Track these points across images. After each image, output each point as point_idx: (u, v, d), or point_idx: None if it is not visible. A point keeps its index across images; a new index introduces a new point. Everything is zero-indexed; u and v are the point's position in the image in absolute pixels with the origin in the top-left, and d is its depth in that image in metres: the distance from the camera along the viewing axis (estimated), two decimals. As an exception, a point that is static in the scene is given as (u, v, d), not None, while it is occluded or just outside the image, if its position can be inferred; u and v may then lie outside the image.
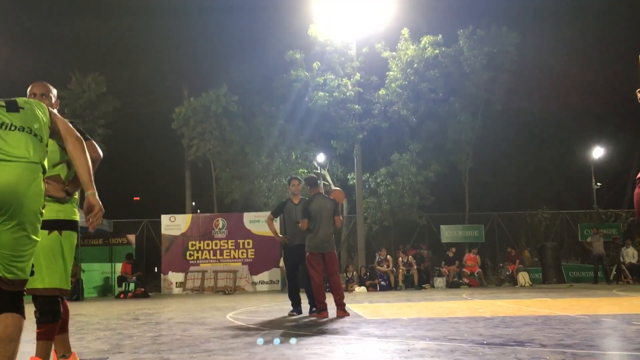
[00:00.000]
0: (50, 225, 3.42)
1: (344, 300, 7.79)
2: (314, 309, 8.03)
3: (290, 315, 8.03)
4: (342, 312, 7.55)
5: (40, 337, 3.38)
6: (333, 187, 8.58)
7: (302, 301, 8.36)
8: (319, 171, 23.57)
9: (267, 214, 17.41)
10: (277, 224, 16.28)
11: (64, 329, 3.77)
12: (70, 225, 3.58)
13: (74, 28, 26.62)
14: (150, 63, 25.75)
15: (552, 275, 18.94)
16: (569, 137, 29.43)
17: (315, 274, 7.80)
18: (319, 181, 8.37)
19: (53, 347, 3.67)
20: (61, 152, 3.59)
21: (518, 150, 27.89)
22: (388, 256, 17.98)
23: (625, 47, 24.11)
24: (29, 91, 3.71)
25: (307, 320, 7.37)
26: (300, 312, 8.19)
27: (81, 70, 25.45)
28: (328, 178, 23.50)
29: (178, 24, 26.27)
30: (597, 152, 27.31)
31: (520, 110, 25.57)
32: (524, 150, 28.30)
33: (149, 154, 29.32)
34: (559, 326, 5.75)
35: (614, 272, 18.25)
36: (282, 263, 18.21)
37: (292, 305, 8.29)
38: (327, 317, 7.53)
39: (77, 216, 3.70)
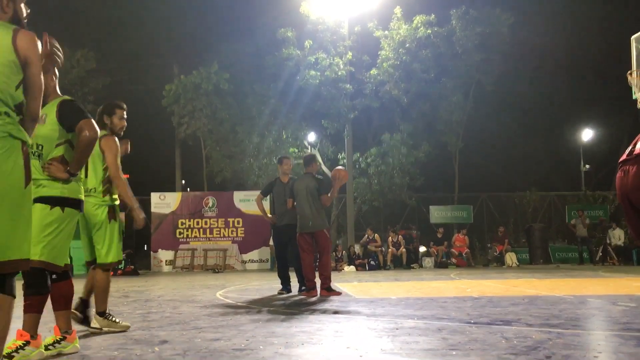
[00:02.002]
0: (53, 201, 3.47)
1: (331, 282, 7.81)
2: (303, 287, 8.10)
3: (279, 293, 8.08)
4: (324, 291, 7.58)
5: (26, 309, 3.40)
6: (337, 167, 8.46)
7: (291, 280, 8.40)
8: (309, 150, 23.54)
9: (257, 192, 17.41)
10: (266, 203, 16.26)
11: (67, 305, 3.78)
12: (74, 203, 3.59)
13: (63, 3, 26.19)
14: (140, 39, 25.43)
15: (539, 256, 19.15)
16: (559, 119, 29.56)
17: (303, 254, 7.82)
18: (314, 161, 8.26)
19: (56, 323, 3.69)
20: (62, 131, 3.57)
21: (508, 131, 27.98)
22: (376, 235, 18.08)
23: (617, 29, 24.12)
24: None
25: (296, 299, 7.41)
26: (289, 290, 8.22)
27: (70, 46, 25.09)
28: (318, 157, 23.46)
29: (169, 0, 25.91)
30: (587, 135, 27.47)
31: (511, 92, 25.59)
32: (514, 131, 28.39)
33: (138, 131, 29.11)
34: (545, 306, 5.83)
35: (600, 254, 18.48)
36: (271, 242, 18.28)
37: (281, 283, 8.32)
38: (316, 295, 7.59)
39: (82, 195, 3.68)
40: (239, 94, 23.29)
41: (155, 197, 18.94)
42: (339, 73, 20.65)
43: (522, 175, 28.14)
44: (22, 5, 2.95)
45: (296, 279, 8.37)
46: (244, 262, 18.42)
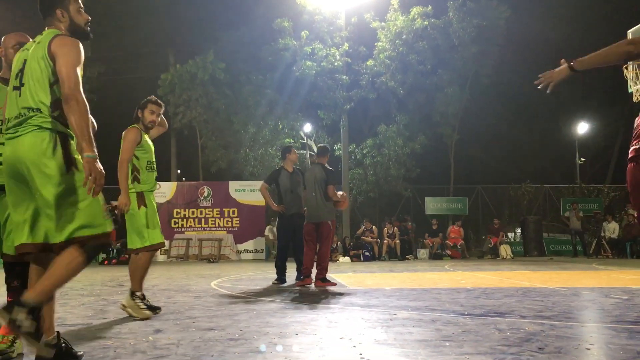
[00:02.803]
0: None
1: (327, 274, 7.81)
2: (301, 277, 8.10)
3: (274, 284, 8.09)
4: (319, 282, 7.58)
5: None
6: (341, 193, 8.45)
7: (287, 271, 8.40)
8: (305, 141, 23.52)
9: (253, 182, 17.38)
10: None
11: None
12: None
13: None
14: (136, 28, 25.28)
15: (533, 248, 19.23)
16: (555, 113, 29.60)
17: (305, 244, 7.86)
18: (327, 152, 8.27)
19: None
20: None
21: (504, 124, 28.02)
22: (373, 227, 18.12)
23: (613, 23, 24.12)
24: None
25: (290, 289, 7.43)
26: (283, 281, 8.22)
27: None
28: (314, 148, 23.46)
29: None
30: (582, 128, 27.53)
31: (507, 85, 25.58)
32: (509, 124, 28.43)
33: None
34: (538, 298, 5.86)
35: (594, 246, 18.56)
36: (267, 232, 18.28)
37: (277, 273, 8.32)
38: (310, 284, 7.62)
39: None
40: (235, 83, 23.21)
41: (149, 186, 18.86)
42: (336, 64, 20.61)
43: (517, 168, 28.22)
44: (79, 12, 3.12)
45: (294, 270, 8.41)
46: (239, 252, 18.43)
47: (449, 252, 18.19)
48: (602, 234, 18.47)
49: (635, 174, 2.89)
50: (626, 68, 4.50)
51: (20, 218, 2.86)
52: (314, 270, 7.79)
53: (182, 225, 18.61)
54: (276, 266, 8.38)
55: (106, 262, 16.53)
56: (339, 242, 18.38)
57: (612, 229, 18.54)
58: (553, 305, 5.22)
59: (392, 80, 21.16)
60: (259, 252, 18.50)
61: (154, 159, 5.13)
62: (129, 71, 26.47)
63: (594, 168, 30.88)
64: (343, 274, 10.59)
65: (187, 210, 18.70)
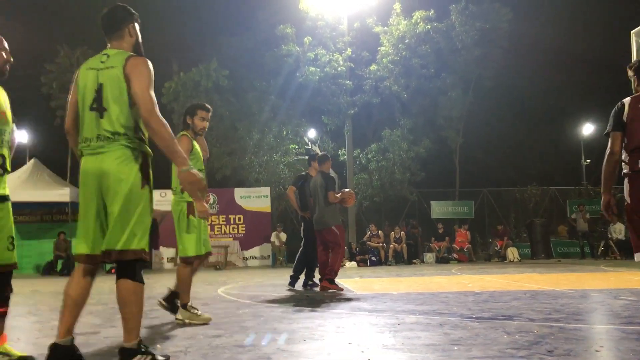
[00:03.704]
0: None
1: (335, 277, 7.84)
2: (310, 282, 8.26)
3: (288, 288, 8.15)
4: (325, 282, 7.62)
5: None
6: (347, 190, 8.48)
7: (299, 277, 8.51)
8: (309, 147, 23.53)
9: (259, 189, 17.43)
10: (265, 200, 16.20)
11: None
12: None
13: (61, 1, 26.15)
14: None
15: (541, 251, 19.13)
16: (560, 114, 29.50)
17: (318, 251, 7.99)
18: (325, 160, 8.29)
19: None
20: None
21: (508, 126, 27.94)
22: (380, 232, 18.09)
23: (616, 23, 24.05)
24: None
25: (298, 294, 7.42)
26: (293, 285, 8.29)
27: (69, 44, 25.10)
28: (319, 153, 23.46)
29: (167, -3, 25.83)
30: (587, 129, 27.41)
31: (511, 87, 25.56)
32: (514, 126, 28.35)
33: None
34: (546, 301, 5.83)
35: (601, 248, 18.46)
36: (273, 238, 18.29)
37: (291, 277, 8.40)
38: (334, 289, 7.65)
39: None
40: (238, 90, 23.26)
41: (156, 194, 18.54)
42: (339, 69, 20.64)
43: (523, 170, 28.12)
44: (137, 28, 3.31)
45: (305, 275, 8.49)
46: (245, 258, 18.42)
47: (455, 255, 18.13)
48: (610, 236, 18.37)
49: None
50: (630, 68, 4.54)
51: (86, 228, 3.04)
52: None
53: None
54: (294, 269, 8.45)
55: (113, 270, 16.54)
56: (345, 248, 18.35)
57: (618, 230, 18.43)
58: (562, 308, 5.19)
59: (395, 84, 21.18)
60: (265, 258, 18.49)
61: (203, 167, 5.12)
62: (133, 80, 26.56)
63: (600, 169, 30.70)
64: (350, 279, 10.57)
65: (192, 218, 18.70)
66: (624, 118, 3.78)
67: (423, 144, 21.49)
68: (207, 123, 5.19)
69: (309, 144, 23.52)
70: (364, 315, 5.04)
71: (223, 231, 18.64)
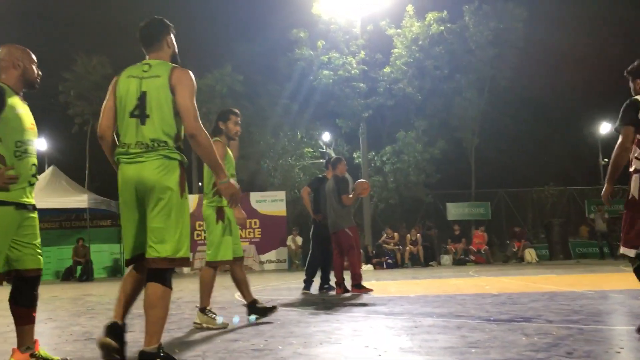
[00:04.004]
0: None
1: (362, 280, 7.94)
2: (325, 286, 8.30)
3: (303, 293, 8.17)
4: (354, 289, 7.71)
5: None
6: (360, 180, 8.52)
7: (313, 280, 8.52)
8: (324, 150, 23.56)
9: (274, 193, 17.46)
10: (281, 203, 16.25)
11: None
12: None
13: (78, 10, 26.49)
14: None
15: (559, 252, 18.94)
16: (576, 113, 29.21)
17: (334, 254, 8.08)
18: (338, 163, 8.32)
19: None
20: None
21: (524, 126, 27.72)
22: (395, 234, 18.04)
23: (634, 21, 23.81)
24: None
25: (314, 298, 7.42)
26: (308, 289, 8.30)
27: (86, 52, 25.39)
28: (333, 156, 23.47)
29: (181, 4, 26.06)
30: (605, 128, 27.10)
31: (526, 87, 25.36)
32: (530, 126, 28.13)
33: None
34: (565, 302, 5.78)
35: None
36: (289, 241, 18.31)
37: (304, 281, 8.41)
38: (341, 293, 7.73)
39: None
40: (252, 95, 23.38)
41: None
42: (352, 72, 20.64)
43: (539, 170, 27.86)
44: (173, 39, 3.47)
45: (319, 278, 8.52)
46: (261, 262, 18.46)
47: (472, 257, 18.01)
48: (629, 235, 18.13)
49: None
50: (627, 73, 4.43)
51: (129, 235, 3.22)
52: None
53: (204, 238, 18.68)
54: (306, 273, 8.46)
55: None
56: (360, 250, 18.31)
57: (638, 229, 18.18)
58: (581, 309, 5.14)
59: (409, 86, 21.13)
60: (281, 262, 18.51)
61: (234, 172, 5.17)
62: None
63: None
64: (366, 282, 10.50)
65: (209, 222, 18.78)
66: (639, 115, 3.80)
67: (438, 145, 21.41)
68: (239, 127, 5.28)
69: (324, 147, 23.54)
70: (380, 318, 5.03)
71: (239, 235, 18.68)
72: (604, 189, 4.10)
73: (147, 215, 3.10)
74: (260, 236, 18.66)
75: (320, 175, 9.10)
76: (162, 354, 3.01)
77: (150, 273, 3.08)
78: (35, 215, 3.36)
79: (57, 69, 24.72)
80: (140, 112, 3.11)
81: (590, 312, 4.95)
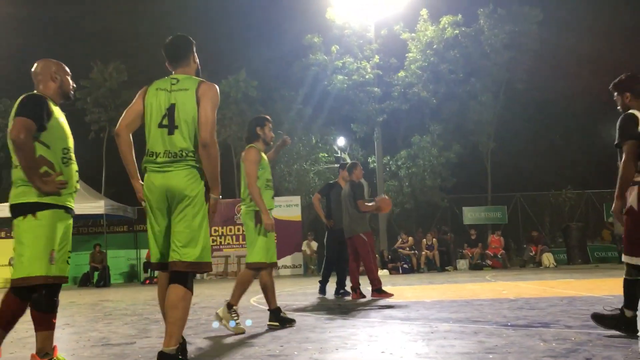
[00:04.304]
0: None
1: (381, 284, 7.89)
2: (341, 291, 8.36)
3: (319, 298, 8.23)
4: (375, 294, 7.69)
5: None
6: (382, 196, 8.54)
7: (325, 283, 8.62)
8: (339, 155, 23.55)
9: (290, 198, 17.52)
10: (296, 208, 16.25)
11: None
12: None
13: (95, 18, 26.81)
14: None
15: (577, 256, 18.73)
16: (593, 115, 28.90)
17: (349, 260, 8.09)
18: (353, 168, 8.34)
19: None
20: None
21: (541, 129, 27.50)
22: (410, 238, 17.97)
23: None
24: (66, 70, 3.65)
25: (329, 303, 7.41)
26: (323, 292, 8.44)
27: (103, 60, 25.68)
28: (348, 161, 23.47)
29: (197, 10, 26.26)
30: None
31: (543, 89, 25.16)
32: (546, 129, 27.89)
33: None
34: (584, 307, 5.71)
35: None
36: (304, 247, 18.31)
37: (320, 282, 8.60)
38: (357, 298, 7.72)
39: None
40: (267, 100, 23.46)
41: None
42: (367, 76, 20.64)
43: (557, 174, 27.59)
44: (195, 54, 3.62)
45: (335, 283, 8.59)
46: (277, 267, 18.46)
47: (489, 262, 17.88)
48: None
49: None
50: (612, 88, 4.38)
51: (156, 240, 3.33)
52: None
53: (220, 242, 18.76)
54: (322, 276, 8.63)
55: (147, 281, 16.78)
56: (376, 255, 18.27)
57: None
58: (600, 314, 5.06)
59: (424, 90, 21.08)
60: (297, 267, 18.51)
61: (271, 177, 5.27)
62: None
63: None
64: (382, 287, 10.49)
65: (224, 227, 18.85)
66: (639, 129, 3.95)
67: (453, 150, 21.32)
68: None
69: (339, 152, 23.54)
70: (396, 324, 5.00)
71: (255, 240, 18.72)
72: (615, 205, 4.11)
73: (173, 221, 3.24)
74: (275, 241, 18.64)
75: (331, 182, 9.14)
76: (180, 357, 3.09)
77: (173, 276, 3.19)
78: (71, 222, 3.50)
79: (74, 76, 24.92)
80: (169, 123, 3.26)
81: (610, 317, 4.87)
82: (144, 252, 18.14)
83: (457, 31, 21.06)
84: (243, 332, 4.82)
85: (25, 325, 5.94)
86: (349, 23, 21.15)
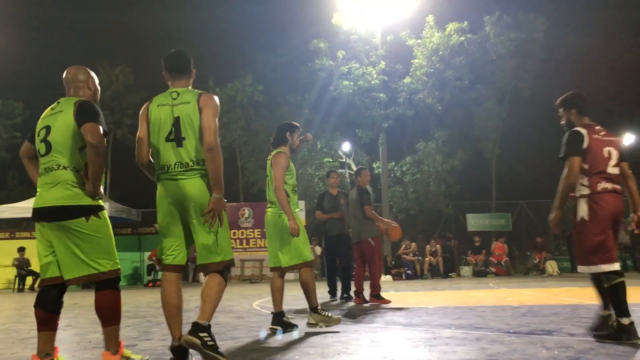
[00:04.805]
0: None
1: (380, 290, 8.01)
2: (345, 295, 8.56)
3: (330, 301, 8.44)
4: (373, 299, 7.79)
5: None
6: (394, 224, 8.65)
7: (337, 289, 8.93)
8: (344, 160, 23.54)
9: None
10: (302, 213, 16.17)
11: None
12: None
13: (102, 20, 26.95)
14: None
15: (581, 264, 18.65)
16: (599, 123, 28.80)
17: (355, 264, 8.24)
18: (359, 173, 8.47)
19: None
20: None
21: (546, 137, 27.39)
22: (413, 244, 17.94)
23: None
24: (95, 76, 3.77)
25: (332, 308, 7.40)
26: (334, 295, 8.75)
27: (109, 63, 25.79)
28: (353, 167, 23.47)
29: (203, 15, 26.37)
30: (628, 139, 26.72)
31: (548, 97, 24.97)
32: (552, 137, 27.71)
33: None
34: (587, 315, 5.68)
35: (644, 261, 17.92)
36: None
37: (329, 292, 8.87)
38: (361, 303, 7.79)
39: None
40: (273, 105, 23.49)
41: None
42: (372, 82, 20.65)
43: (561, 182, 27.51)
44: None
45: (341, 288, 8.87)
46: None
47: (493, 269, 17.83)
48: (654, 248, 17.82)
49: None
50: (559, 105, 4.49)
51: (172, 243, 3.51)
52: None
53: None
54: (328, 284, 9.01)
55: (150, 284, 16.80)
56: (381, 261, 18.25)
57: (663, 242, 17.87)
58: (603, 323, 5.05)
59: (429, 96, 21.08)
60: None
61: (296, 182, 5.44)
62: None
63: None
64: (385, 292, 10.43)
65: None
66: (584, 146, 4.27)
67: (458, 156, 21.30)
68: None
69: (344, 157, 23.54)
70: (399, 329, 4.99)
71: (258, 245, 18.76)
72: (554, 216, 4.42)
73: (195, 227, 3.43)
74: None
75: (322, 192, 9.38)
76: (210, 333, 3.32)
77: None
78: None
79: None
80: (176, 136, 3.42)
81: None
82: (147, 255, 18.16)
83: (462, 38, 21.06)
84: (340, 321, 5.12)
85: (27, 326, 5.96)
86: (355, 29, 21.18)
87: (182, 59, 3.68)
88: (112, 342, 3.42)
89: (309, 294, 5.17)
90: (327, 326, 5.04)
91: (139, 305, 8.73)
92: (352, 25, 21.15)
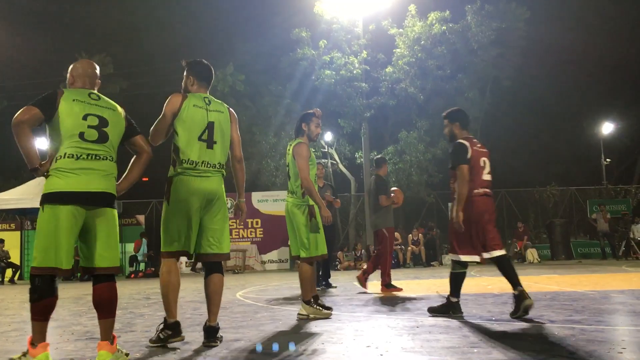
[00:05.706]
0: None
1: (390, 279, 8.17)
2: (324, 282, 8.93)
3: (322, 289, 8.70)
4: (383, 288, 8.03)
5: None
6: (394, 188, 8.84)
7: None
8: (326, 150, 23.52)
9: (276, 193, 17.78)
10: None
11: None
12: None
13: (79, 9, 26.53)
14: (156, 43, 25.69)
15: (561, 252, 18.93)
16: (578, 113, 29.19)
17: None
18: (380, 164, 8.51)
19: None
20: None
21: (527, 126, 27.72)
22: (396, 233, 18.02)
23: (636, 21, 23.75)
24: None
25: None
26: (329, 285, 8.99)
27: (87, 52, 25.44)
28: (335, 157, 23.47)
29: (183, 3, 26.06)
30: (607, 128, 27.07)
31: (529, 87, 25.34)
32: (532, 126, 28.10)
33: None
34: (567, 302, 5.77)
35: (622, 248, 18.21)
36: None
37: (322, 281, 9.09)
38: (366, 289, 8.15)
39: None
40: (254, 94, 23.37)
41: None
42: (354, 72, 20.63)
43: (541, 170, 27.84)
44: None
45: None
46: (263, 262, 18.47)
47: (474, 257, 17.98)
48: (631, 235, 18.12)
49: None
50: (445, 117, 4.69)
51: (181, 232, 3.83)
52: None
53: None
54: (320, 275, 9.13)
55: (133, 275, 16.69)
56: (362, 250, 18.32)
57: (641, 230, 18.18)
58: (583, 309, 5.13)
59: (411, 86, 21.12)
60: (283, 262, 18.53)
61: (316, 172, 5.45)
62: (150, 86, 26.83)
63: (620, 168, 30.36)
64: (368, 281, 10.52)
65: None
66: (468, 156, 4.95)
67: (440, 145, 21.41)
68: (320, 129, 5.53)
69: (326, 147, 23.53)
70: (382, 318, 5.02)
71: (241, 235, 18.72)
72: (458, 218, 4.84)
73: (208, 219, 3.86)
74: (262, 236, 18.68)
75: None
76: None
77: (211, 266, 3.95)
78: None
79: (59, 68, 24.79)
80: (208, 138, 3.86)
81: (592, 312, 4.94)
82: (129, 246, 18.03)
83: (444, 27, 21.10)
84: (330, 316, 5.15)
85: (7, 319, 5.89)
86: (337, 18, 21.11)
87: (212, 72, 4.28)
88: (110, 334, 3.44)
89: (305, 286, 5.22)
90: (317, 318, 5.07)
91: (121, 297, 8.63)
92: (334, 15, 21.08)
